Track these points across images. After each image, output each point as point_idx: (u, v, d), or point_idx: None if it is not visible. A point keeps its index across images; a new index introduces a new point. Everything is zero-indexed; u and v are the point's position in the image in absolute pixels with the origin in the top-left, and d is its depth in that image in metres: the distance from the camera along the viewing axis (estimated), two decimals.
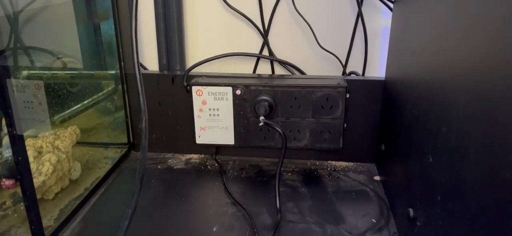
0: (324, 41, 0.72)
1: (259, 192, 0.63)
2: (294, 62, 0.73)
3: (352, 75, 0.72)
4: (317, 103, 0.66)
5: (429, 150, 0.41)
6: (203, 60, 0.73)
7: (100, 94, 0.72)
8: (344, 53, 0.73)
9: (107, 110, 0.74)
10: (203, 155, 0.75)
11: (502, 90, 0.27)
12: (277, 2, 0.71)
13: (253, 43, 0.74)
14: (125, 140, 0.76)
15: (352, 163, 0.72)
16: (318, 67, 0.74)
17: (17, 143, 0.42)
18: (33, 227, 0.47)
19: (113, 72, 0.73)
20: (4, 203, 0.56)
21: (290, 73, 0.74)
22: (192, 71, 0.72)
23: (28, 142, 0.55)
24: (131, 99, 0.74)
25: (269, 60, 0.75)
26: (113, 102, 0.74)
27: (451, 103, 0.36)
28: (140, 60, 0.76)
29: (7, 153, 0.52)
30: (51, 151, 0.56)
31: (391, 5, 0.66)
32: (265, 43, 0.73)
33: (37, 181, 0.53)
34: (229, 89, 0.67)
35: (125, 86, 0.73)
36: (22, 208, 0.54)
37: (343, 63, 0.73)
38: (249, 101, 0.67)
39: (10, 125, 0.41)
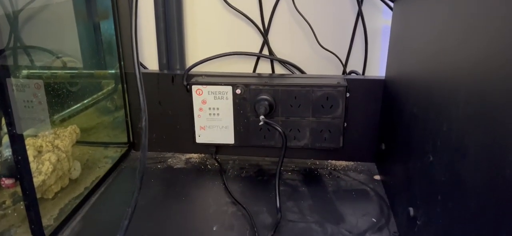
0: (324, 40, 0.72)
1: (259, 192, 0.63)
2: (294, 61, 0.73)
3: (352, 74, 0.72)
4: (317, 102, 0.66)
5: (430, 149, 0.41)
6: (203, 59, 0.73)
7: (100, 93, 0.72)
8: (344, 52, 0.73)
9: (107, 109, 0.74)
10: (203, 155, 0.75)
11: (502, 89, 0.27)
12: (277, 1, 0.71)
13: (253, 42, 0.74)
14: (125, 139, 0.76)
15: (352, 163, 0.72)
16: (318, 66, 0.74)
17: (17, 142, 0.42)
18: (33, 226, 0.47)
19: (113, 71, 0.73)
20: (4, 202, 0.56)
21: (290, 72, 0.74)
22: (192, 70, 0.72)
23: (28, 141, 0.55)
24: (131, 98, 0.74)
25: (269, 59, 0.75)
26: (113, 101, 0.74)
27: (451, 102, 0.36)
28: (140, 60, 0.76)
29: (7, 152, 0.53)
30: (51, 150, 0.56)
31: (391, 4, 0.66)
32: (265, 42, 0.73)
33: (37, 180, 0.53)
34: (229, 88, 0.67)
35: (125, 85, 0.73)
36: (22, 207, 0.54)
37: (343, 62, 0.73)
38: (249, 100, 0.67)
39: (10, 124, 0.41)
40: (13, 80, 0.45)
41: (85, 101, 0.68)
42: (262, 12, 0.72)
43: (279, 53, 0.74)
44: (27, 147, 0.45)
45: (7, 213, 0.55)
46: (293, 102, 0.66)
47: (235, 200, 0.59)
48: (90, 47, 0.70)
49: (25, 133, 0.44)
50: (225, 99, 0.68)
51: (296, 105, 0.66)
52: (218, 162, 0.72)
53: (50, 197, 0.57)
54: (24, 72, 0.58)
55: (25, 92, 0.54)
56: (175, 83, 0.71)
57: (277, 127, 0.61)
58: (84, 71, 0.69)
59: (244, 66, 0.76)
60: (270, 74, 0.75)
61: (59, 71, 0.63)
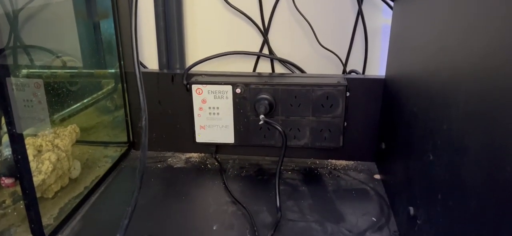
0: (324, 40, 0.72)
1: (259, 191, 0.63)
2: (294, 61, 0.73)
3: (352, 73, 0.72)
4: (317, 101, 0.66)
5: (430, 148, 0.41)
6: (203, 59, 0.73)
7: (99, 92, 0.72)
8: (344, 52, 0.73)
9: (107, 108, 0.74)
10: (203, 154, 0.75)
11: (502, 89, 0.27)
12: (277, 0, 0.71)
13: (253, 42, 0.74)
14: (125, 138, 0.76)
15: (352, 162, 0.72)
16: (318, 65, 0.74)
17: (17, 141, 0.42)
18: (32, 225, 0.47)
19: (113, 70, 0.73)
20: (4, 201, 0.56)
21: (290, 72, 0.74)
22: (192, 69, 0.72)
23: (28, 141, 0.55)
24: (131, 97, 0.74)
25: (269, 59, 0.75)
26: (113, 100, 0.74)
27: (451, 101, 0.36)
28: (140, 59, 0.76)
29: (7, 151, 0.52)
30: (50, 149, 0.56)
31: (392, 3, 0.66)
32: (265, 41, 0.73)
33: (36, 179, 0.53)
34: (229, 87, 0.67)
35: (125, 84, 0.73)
36: (21, 206, 0.54)
37: (343, 61, 0.73)
38: (249, 99, 0.67)
39: (10, 123, 0.41)
40: (13, 79, 0.45)
41: (85, 101, 0.68)
42: (262, 11, 0.72)
43: (279, 53, 0.74)
44: (27, 146, 0.45)
45: (7, 213, 0.55)
46: (293, 102, 0.66)
47: (235, 200, 0.59)
48: (90, 46, 0.70)
49: (25, 132, 0.44)
50: (225, 99, 0.68)
51: (296, 104, 0.66)
52: (218, 161, 0.72)
53: (50, 196, 0.57)
54: (24, 71, 0.58)
55: (25, 91, 0.54)
56: (175, 83, 0.71)
57: (277, 127, 0.61)
58: (84, 71, 0.69)
59: (244, 66, 0.76)
60: (270, 73, 0.75)
61: (59, 71, 0.63)
